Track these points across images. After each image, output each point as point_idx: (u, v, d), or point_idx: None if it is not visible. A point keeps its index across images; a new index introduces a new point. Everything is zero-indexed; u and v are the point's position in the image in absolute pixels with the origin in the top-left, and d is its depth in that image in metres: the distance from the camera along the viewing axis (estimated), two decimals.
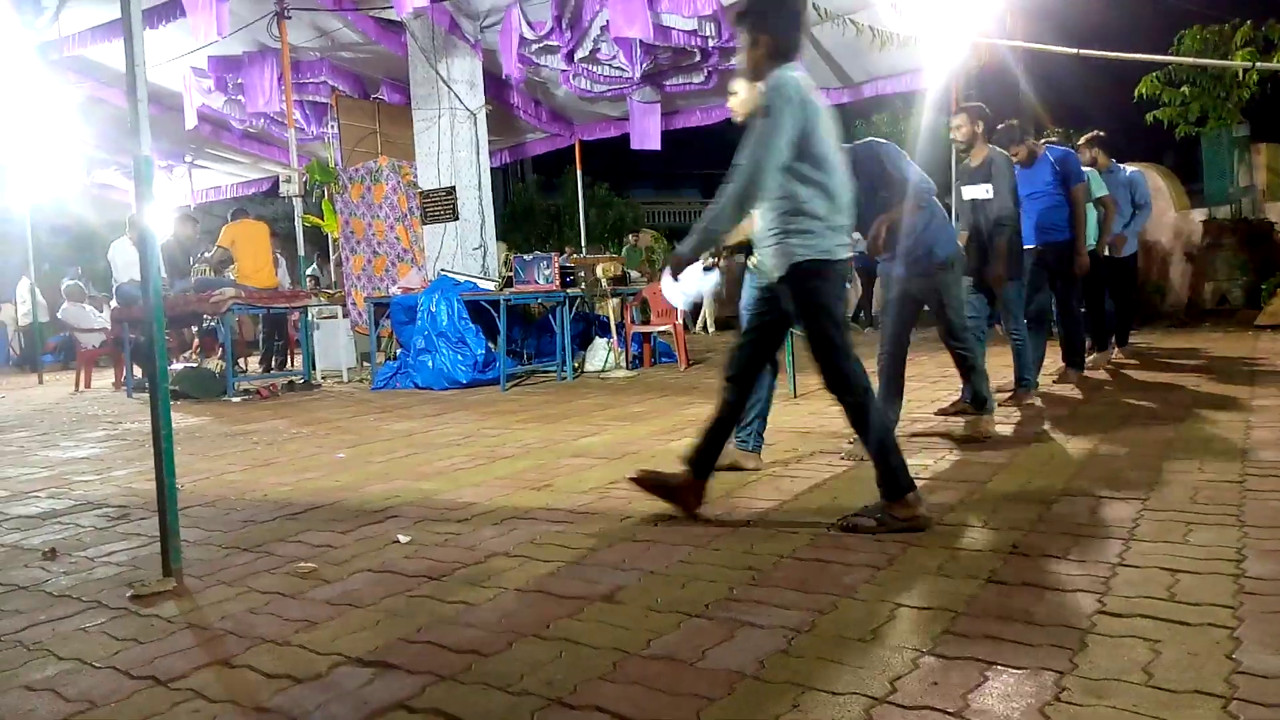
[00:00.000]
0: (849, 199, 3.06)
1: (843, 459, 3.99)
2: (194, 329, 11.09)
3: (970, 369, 4.45)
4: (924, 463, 3.89)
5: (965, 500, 3.21)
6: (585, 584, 2.51)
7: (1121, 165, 7.39)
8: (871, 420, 2.95)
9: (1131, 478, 3.42)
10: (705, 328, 14.42)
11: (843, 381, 2.95)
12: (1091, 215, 6.51)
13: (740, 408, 3.25)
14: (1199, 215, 11.35)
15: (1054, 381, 6.04)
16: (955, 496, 3.27)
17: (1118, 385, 5.99)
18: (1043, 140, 6.16)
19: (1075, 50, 6.67)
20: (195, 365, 9.64)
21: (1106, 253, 6.88)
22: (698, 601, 2.32)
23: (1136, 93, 11.50)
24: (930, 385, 6.38)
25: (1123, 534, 2.70)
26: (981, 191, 4.96)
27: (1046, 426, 4.64)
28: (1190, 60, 10.50)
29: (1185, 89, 11.29)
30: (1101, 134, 7.31)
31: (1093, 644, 1.93)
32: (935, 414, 5.07)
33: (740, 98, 3.70)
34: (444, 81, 9.51)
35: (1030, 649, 1.92)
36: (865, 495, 3.36)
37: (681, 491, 3.19)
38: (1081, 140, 7.33)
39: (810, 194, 2.93)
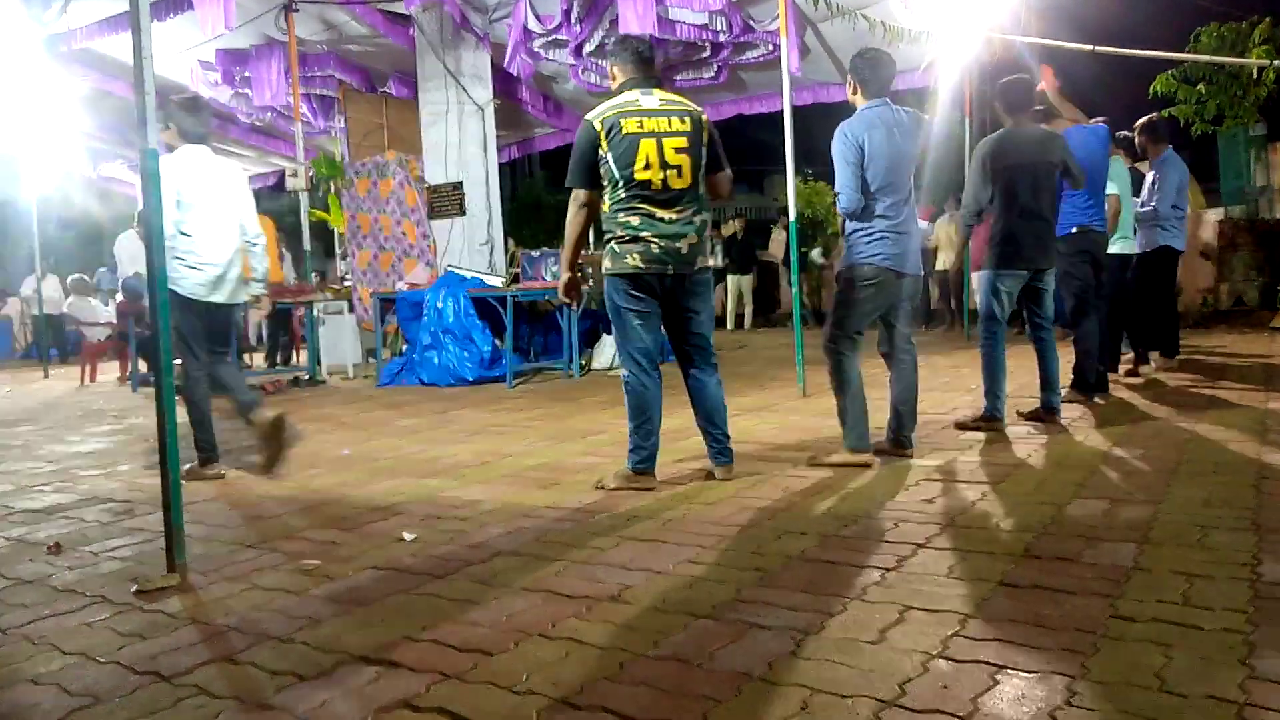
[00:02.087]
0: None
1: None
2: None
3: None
4: (935, 463, 3.86)
5: (978, 502, 3.19)
6: (591, 583, 2.49)
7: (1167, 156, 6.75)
8: None
9: (1146, 480, 3.39)
10: (742, 323, 14.37)
11: None
12: (1126, 215, 6.22)
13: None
14: (1215, 215, 11.28)
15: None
16: (969, 498, 3.25)
17: (1132, 387, 5.94)
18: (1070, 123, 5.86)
19: (1091, 47, 6.60)
20: None
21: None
22: (705, 602, 2.30)
23: (1151, 90, 11.42)
24: (943, 386, 6.35)
25: (1136, 537, 2.67)
26: None
27: (1059, 429, 4.60)
28: (1207, 58, 10.42)
29: (1201, 87, 11.21)
30: (1155, 119, 6.81)
31: (1105, 648, 1.91)
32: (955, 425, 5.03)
33: None
34: (452, 75, 9.49)
35: (1041, 653, 1.90)
36: (876, 495, 3.34)
37: None
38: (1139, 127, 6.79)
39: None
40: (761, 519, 3.08)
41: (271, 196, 15.80)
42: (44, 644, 2.25)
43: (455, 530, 3.14)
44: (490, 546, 2.91)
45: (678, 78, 10.24)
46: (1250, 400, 5.10)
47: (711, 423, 3.76)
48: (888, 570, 2.49)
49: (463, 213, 9.56)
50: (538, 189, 26.65)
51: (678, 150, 3.52)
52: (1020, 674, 1.81)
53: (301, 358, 10.89)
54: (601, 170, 3.56)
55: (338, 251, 11.73)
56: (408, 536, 3.07)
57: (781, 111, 6.53)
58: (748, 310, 14.55)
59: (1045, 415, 4.68)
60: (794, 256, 6.69)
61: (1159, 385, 5.89)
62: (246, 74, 10.41)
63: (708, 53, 9.51)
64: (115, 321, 10.55)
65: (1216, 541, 2.59)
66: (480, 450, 4.69)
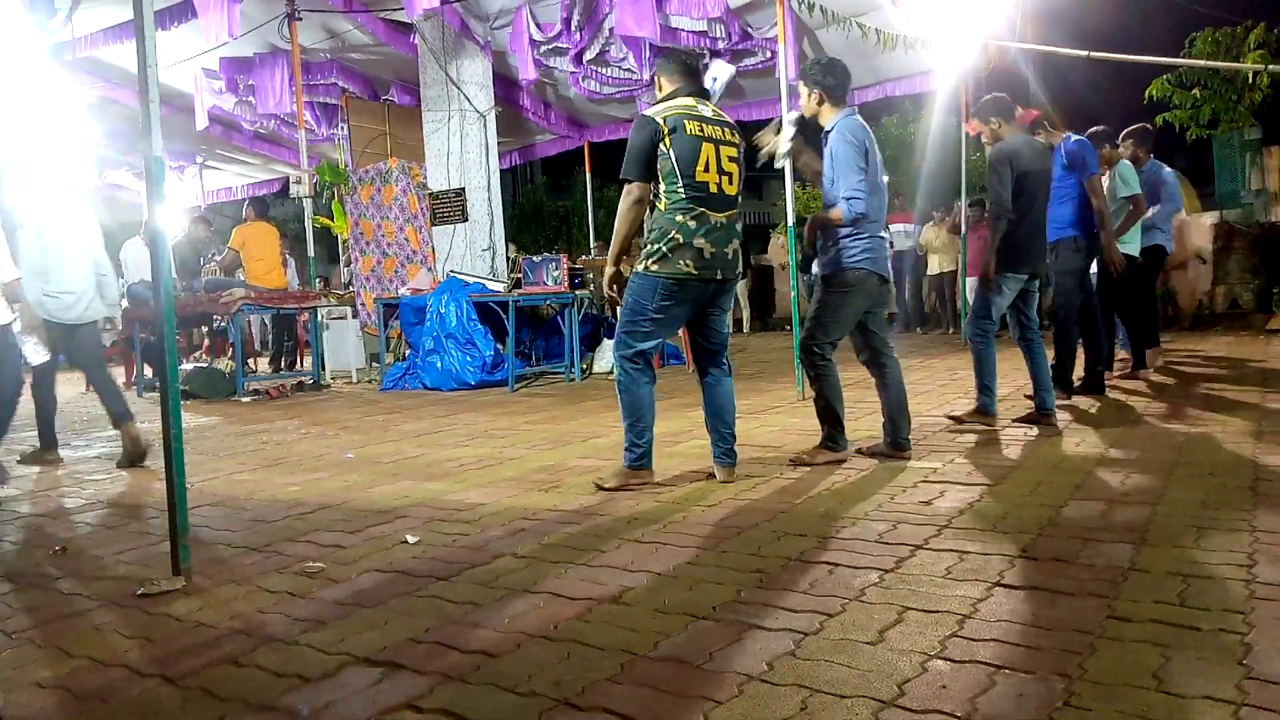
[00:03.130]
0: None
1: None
2: (204, 329, 11.14)
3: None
4: (933, 465, 3.88)
5: (975, 503, 3.21)
6: (593, 585, 2.51)
7: (1156, 165, 6.81)
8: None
9: (1142, 482, 3.40)
10: (741, 327, 14.41)
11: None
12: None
13: None
14: (1210, 219, 11.31)
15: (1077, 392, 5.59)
16: (965, 499, 3.26)
17: (1129, 389, 5.96)
18: (1064, 133, 5.68)
19: (1086, 53, 6.63)
20: (205, 365, 9.68)
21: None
22: (705, 603, 2.32)
23: (1146, 95, 11.46)
24: (939, 389, 6.37)
25: (1133, 538, 2.69)
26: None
27: (1056, 431, 4.61)
28: (1202, 63, 10.45)
29: (1197, 91, 11.25)
30: (1149, 126, 6.83)
31: (1102, 649, 1.93)
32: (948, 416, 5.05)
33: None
34: (454, 83, 9.53)
35: (1039, 653, 1.92)
36: (874, 497, 3.36)
37: None
38: (1125, 134, 6.75)
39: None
40: (761, 521, 3.10)
41: (276, 203, 15.87)
42: (50, 647, 2.27)
43: (458, 533, 3.16)
44: (493, 549, 2.93)
45: None
46: (1246, 402, 5.12)
47: (722, 420, 3.82)
48: (886, 571, 2.50)
49: (465, 219, 9.59)
50: (539, 195, 26.70)
51: (730, 159, 3.67)
52: (1018, 674, 1.83)
53: (306, 362, 10.92)
54: (660, 166, 3.59)
55: (341, 257, 11.75)
56: (411, 539, 3.09)
57: (778, 118, 6.55)
58: (745, 314, 14.61)
59: (1040, 417, 4.71)
60: (793, 261, 6.72)
61: (1156, 387, 5.90)
62: (250, 82, 10.46)
63: (706, 59, 9.54)
64: (120, 327, 10.57)
65: (1213, 543, 2.61)
66: (482, 454, 4.71)
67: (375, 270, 9.97)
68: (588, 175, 13.41)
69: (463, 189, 9.58)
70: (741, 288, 14.37)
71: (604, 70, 9.70)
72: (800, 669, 1.90)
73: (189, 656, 2.15)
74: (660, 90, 3.82)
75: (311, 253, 9.96)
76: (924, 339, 11.53)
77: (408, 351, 8.91)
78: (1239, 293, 10.69)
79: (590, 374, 8.77)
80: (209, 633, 2.32)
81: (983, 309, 4.71)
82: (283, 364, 10.92)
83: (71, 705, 1.92)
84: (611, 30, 8.55)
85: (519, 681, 1.91)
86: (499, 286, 8.69)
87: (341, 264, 11.97)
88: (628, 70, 9.63)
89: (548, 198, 26.27)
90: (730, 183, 3.67)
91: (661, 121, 3.58)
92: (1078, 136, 5.55)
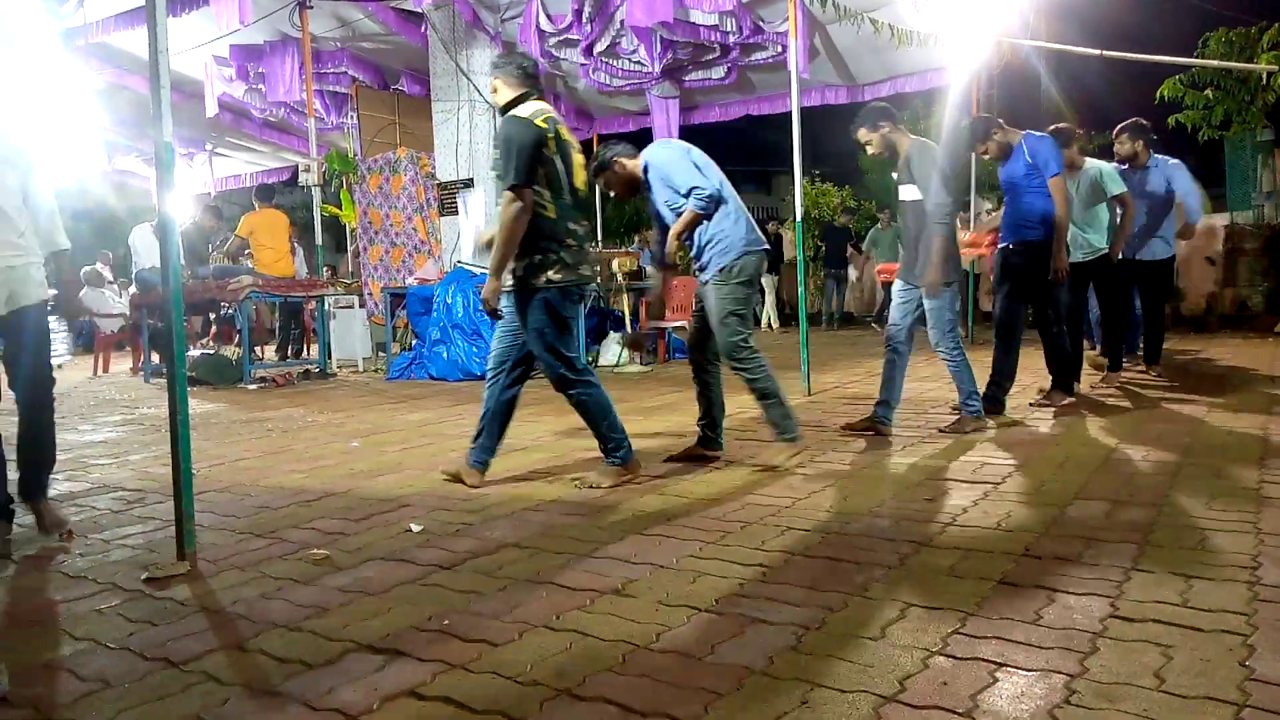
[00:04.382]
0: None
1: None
2: (212, 316, 11.18)
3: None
4: (939, 464, 3.88)
5: (979, 502, 3.20)
6: (595, 576, 2.52)
7: (1162, 159, 6.38)
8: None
9: (1147, 482, 3.39)
10: (770, 324, 14.35)
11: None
12: (1105, 215, 5.91)
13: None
14: (1221, 220, 11.25)
15: (1031, 404, 5.28)
16: (969, 498, 3.26)
17: (1135, 390, 5.94)
18: (1026, 131, 5.20)
19: (1099, 51, 6.60)
20: (212, 352, 9.71)
21: (1121, 256, 6.19)
22: (708, 596, 2.32)
23: (1158, 95, 11.39)
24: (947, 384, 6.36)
25: (1137, 538, 2.68)
26: (911, 193, 4.48)
27: (1062, 430, 4.61)
28: (1215, 63, 10.39)
29: (1209, 92, 11.17)
30: (1144, 123, 6.40)
31: (1104, 648, 1.92)
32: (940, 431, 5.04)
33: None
34: (464, 73, 9.52)
35: (1041, 651, 1.92)
36: (879, 493, 3.36)
37: None
38: (1119, 129, 6.41)
39: None
40: (764, 515, 3.10)
41: (284, 191, 15.87)
42: (55, 629, 2.29)
43: (462, 523, 3.17)
44: (496, 539, 2.94)
45: (686, 78, 10.26)
46: (1253, 405, 5.10)
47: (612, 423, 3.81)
48: (889, 568, 2.50)
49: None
50: None
51: (582, 166, 3.72)
52: (1020, 672, 1.83)
53: (312, 351, 10.95)
54: (545, 172, 3.49)
55: (349, 247, 11.78)
56: (415, 528, 3.10)
57: (789, 113, 6.56)
58: (772, 313, 14.50)
59: (877, 426, 4.60)
60: (800, 256, 6.70)
61: (1160, 389, 5.88)
62: (260, 70, 10.47)
63: (717, 53, 9.53)
64: (128, 313, 10.61)
65: (1217, 544, 2.60)
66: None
67: (383, 260, 9.99)
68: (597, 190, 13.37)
69: (471, 179, 9.58)
70: (769, 283, 14.26)
71: (614, 63, 9.69)
72: (802, 663, 1.91)
73: (193, 641, 2.16)
74: (497, 94, 3.69)
75: (319, 241, 9.98)
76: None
77: (414, 341, 8.93)
78: (1248, 295, 10.64)
79: (596, 366, 8.77)
80: (213, 617, 2.33)
81: (949, 322, 4.50)
82: (289, 352, 10.95)
83: (75, 687, 1.93)
84: (623, 23, 8.53)
85: (521, 671, 1.92)
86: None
87: (349, 253, 12.00)
88: (638, 63, 9.61)
89: None
90: (581, 191, 3.72)
91: (544, 125, 3.48)
92: (1039, 133, 5.18)
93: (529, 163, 3.43)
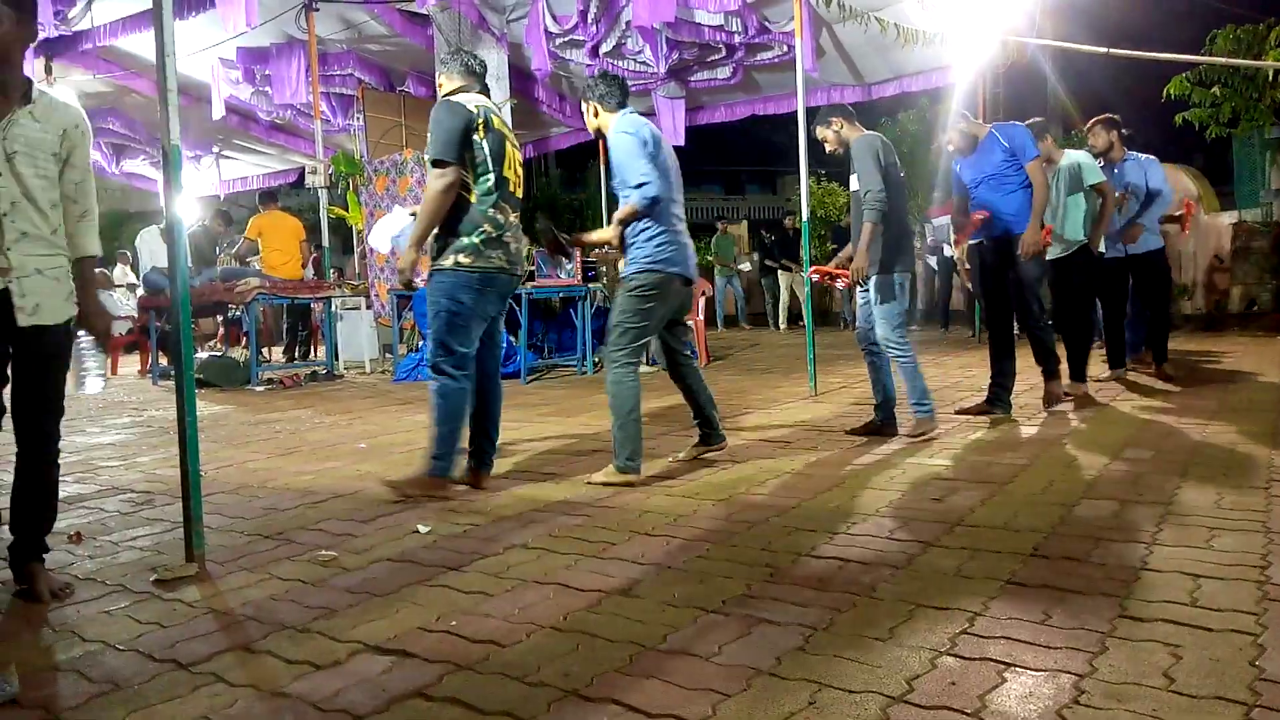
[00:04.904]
0: None
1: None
2: (219, 318, 11.20)
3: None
4: (944, 463, 3.87)
5: (986, 501, 3.19)
6: (602, 577, 2.52)
7: (1136, 154, 6.29)
8: None
9: (1155, 481, 3.38)
10: (777, 324, 14.31)
11: None
12: (1083, 207, 5.79)
13: None
14: (1228, 218, 11.21)
15: (1034, 407, 5.15)
16: (977, 497, 3.25)
17: (1142, 388, 5.92)
18: (989, 125, 5.04)
19: (1105, 50, 6.57)
20: (220, 354, 9.73)
21: (1109, 253, 6.11)
22: (714, 597, 2.32)
23: (1165, 93, 11.33)
24: (953, 385, 6.34)
25: (1145, 538, 2.68)
26: (854, 183, 4.55)
27: (1070, 429, 4.59)
28: (1222, 60, 10.34)
29: (1216, 89, 11.11)
30: (1115, 117, 6.29)
31: (1112, 647, 1.92)
32: (955, 413, 5.03)
33: None
34: None
35: (1049, 651, 1.91)
36: (885, 493, 3.36)
37: None
38: (1092, 123, 6.35)
39: None
40: (771, 516, 3.10)
41: (291, 194, 15.93)
42: (65, 631, 2.29)
43: (469, 523, 3.17)
44: (503, 539, 2.94)
45: (692, 79, 10.25)
46: (1261, 403, 5.08)
47: (491, 422, 3.89)
48: (896, 568, 2.50)
49: None
50: (554, 187, 26.72)
51: (519, 163, 3.78)
52: (1028, 672, 1.82)
53: (319, 352, 10.97)
54: (473, 156, 3.57)
55: (356, 249, 11.79)
56: (422, 529, 3.10)
57: (794, 112, 6.55)
58: (782, 311, 14.45)
59: (882, 427, 4.57)
60: (807, 256, 6.70)
61: (1168, 387, 5.85)
62: (267, 72, 10.50)
63: (723, 53, 9.52)
64: (136, 315, 10.65)
65: (1226, 544, 2.59)
66: None
67: (389, 261, 9.99)
68: (602, 168, 13.40)
69: None
70: (784, 281, 14.18)
71: (620, 63, 9.69)
72: (809, 664, 1.90)
73: (201, 642, 2.17)
74: (442, 87, 3.78)
75: (326, 243, 9.99)
76: (952, 335, 11.46)
77: (421, 343, 8.93)
78: (1256, 293, 10.60)
79: (602, 367, 8.77)
80: (221, 619, 2.34)
81: (897, 316, 4.44)
82: (296, 354, 10.97)
83: (84, 689, 1.94)
84: (628, 23, 8.54)
85: (528, 671, 1.92)
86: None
87: (356, 255, 12.02)
88: (644, 63, 9.61)
89: (562, 190, 26.30)
90: (519, 185, 3.75)
91: (475, 110, 3.54)
92: (1009, 123, 5.02)
93: (454, 142, 3.50)
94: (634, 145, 3.72)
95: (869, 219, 4.35)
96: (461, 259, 3.56)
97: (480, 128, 3.55)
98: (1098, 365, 6.31)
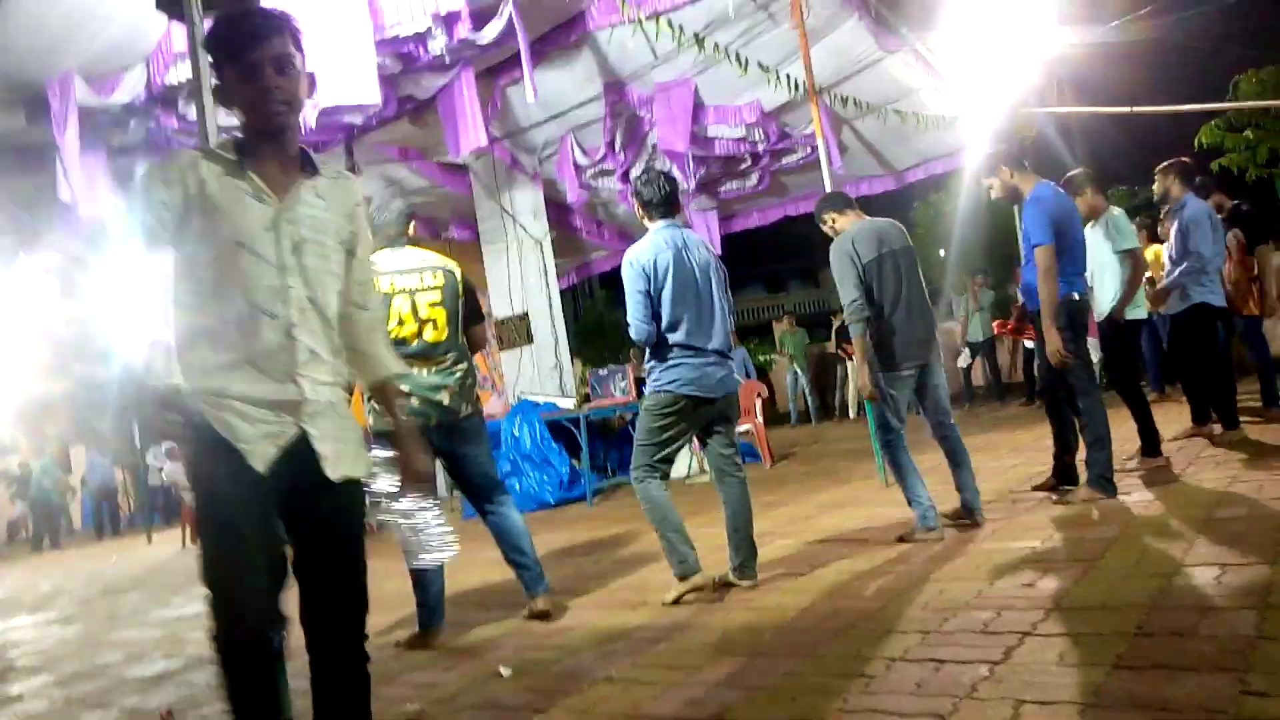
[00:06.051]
0: None
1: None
2: None
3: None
4: (1029, 544, 3.74)
5: (1080, 580, 3.07)
6: (691, 705, 2.45)
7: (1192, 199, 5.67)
8: None
9: (1254, 541, 3.22)
10: (846, 411, 14.05)
11: None
12: (1118, 272, 5.28)
13: None
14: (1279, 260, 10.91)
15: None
16: (1070, 577, 3.12)
17: (1220, 445, 5.69)
18: (1041, 181, 4.55)
19: (1129, 109, 6.63)
20: None
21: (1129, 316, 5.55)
22: (810, 716, 2.24)
23: (1197, 142, 11.31)
24: (1026, 462, 6.18)
25: (1255, 603, 2.53)
26: None
27: (1153, 496, 4.42)
28: (1250, 104, 10.33)
29: (1249, 132, 11.06)
30: (1185, 160, 5.81)
31: None
32: (1032, 489, 4.88)
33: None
34: (508, 214, 9.93)
35: None
36: (973, 583, 3.24)
37: None
38: (1158, 170, 5.83)
39: None
40: (858, 620, 3.01)
41: None
42: None
43: (550, 659, 3.13)
44: (585, 674, 2.89)
45: (721, 189, 10.52)
46: None
47: (520, 551, 3.79)
48: (995, 663, 2.40)
49: (530, 341, 9.84)
50: (599, 308, 27.30)
51: (432, 305, 3.72)
52: None
53: None
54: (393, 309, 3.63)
55: None
56: (505, 672, 3.07)
57: None
58: (810, 403, 14.21)
59: (965, 516, 4.30)
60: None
61: (1241, 444, 5.56)
62: None
63: (748, 163, 9.78)
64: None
65: None
66: (566, 575, 4.68)
67: None
68: None
69: (526, 313, 9.86)
70: (799, 376, 14.09)
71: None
72: None
73: None
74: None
75: None
76: (1006, 411, 11.19)
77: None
78: None
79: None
80: None
81: (880, 420, 4.32)
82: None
83: None
84: (654, 146, 8.85)
85: None
86: (569, 403, 8.80)
87: None
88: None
89: (607, 310, 26.81)
90: (434, 328, 3.69)
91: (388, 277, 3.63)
92: (1043, 189, 4.45)
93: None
94: (631, 278, 3.77)
95: (853, 333, 4.21)
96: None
97: (393, 281, 3.66)
98: (1172, 426, 6.10)
